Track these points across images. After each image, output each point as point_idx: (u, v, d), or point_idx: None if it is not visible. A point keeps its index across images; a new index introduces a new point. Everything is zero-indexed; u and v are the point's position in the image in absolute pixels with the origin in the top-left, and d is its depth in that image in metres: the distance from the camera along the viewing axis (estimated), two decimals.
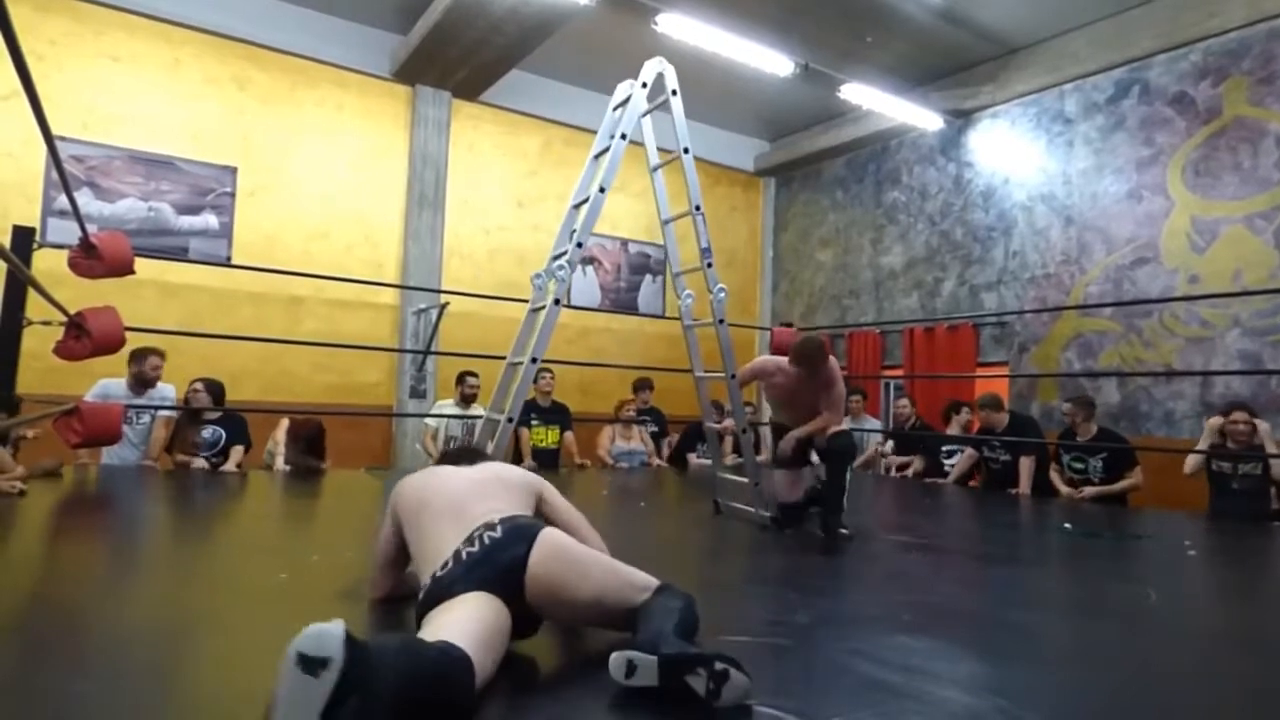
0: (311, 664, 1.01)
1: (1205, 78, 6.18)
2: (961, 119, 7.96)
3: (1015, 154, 7.53)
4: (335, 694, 1.01)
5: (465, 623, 1.37)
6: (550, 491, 2.03)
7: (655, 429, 6.67)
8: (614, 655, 1.38)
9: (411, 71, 7.27)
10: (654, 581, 1.62)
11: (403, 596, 1.88)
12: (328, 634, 1.03)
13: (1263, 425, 4.44)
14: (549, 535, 1.59)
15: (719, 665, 1.31)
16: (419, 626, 1.47)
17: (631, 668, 1.35)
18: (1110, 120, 6.78)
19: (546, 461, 5.96)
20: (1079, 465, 5.04)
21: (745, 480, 3.60)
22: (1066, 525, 3.86)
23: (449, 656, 1.25)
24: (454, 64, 7.08)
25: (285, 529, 3.49)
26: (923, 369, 7.94)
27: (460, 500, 1.74)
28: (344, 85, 7.26)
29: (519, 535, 1.57)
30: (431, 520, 1.72)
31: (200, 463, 4.82)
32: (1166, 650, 1.93)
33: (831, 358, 3.59)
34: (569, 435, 6.12)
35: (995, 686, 1.57)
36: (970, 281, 7.84)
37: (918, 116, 7.81)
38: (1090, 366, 6.68)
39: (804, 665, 1.62)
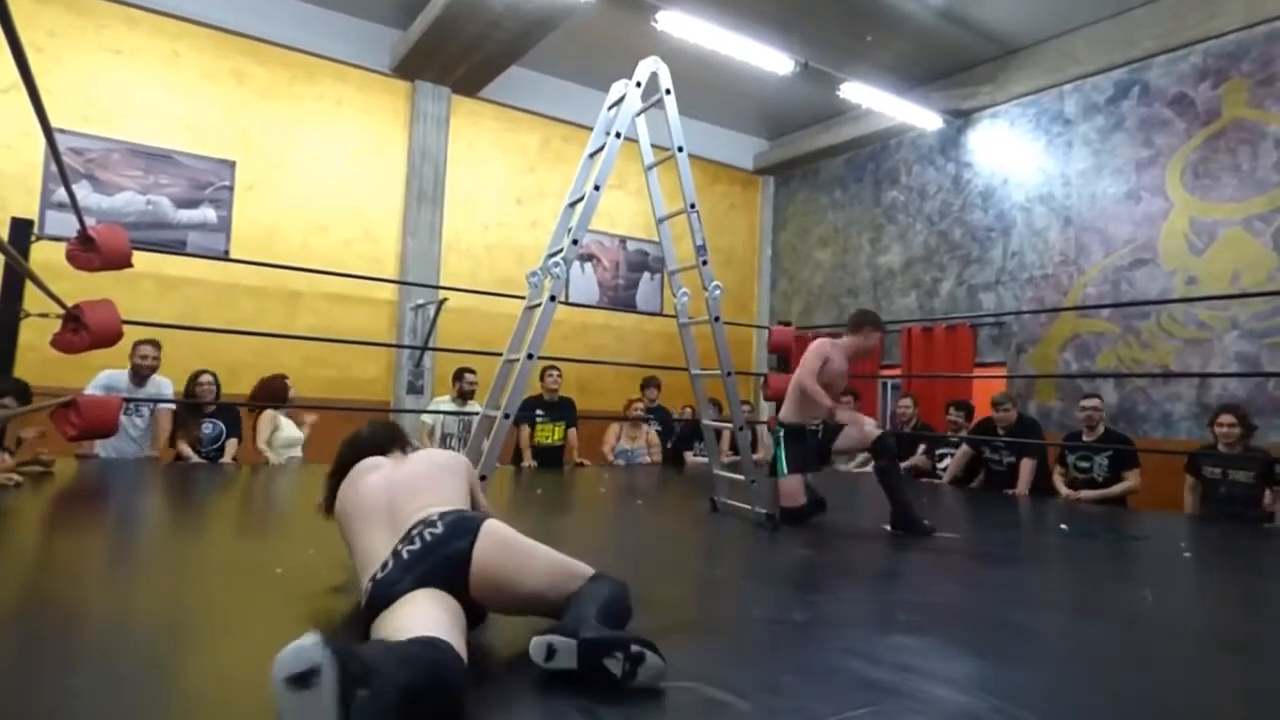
0: (301, 680, 0.99)
1: (1205, 79, 6.18)
2: (961, 119, 7.96)
3: (1014, 154, 7.53)
4: (341, 693, 1.00)
5: (431, 618, 1.37)
6: (476, 481, 2.02)
7: (660, 428, 6.68)
8: (534, 639, 1.40)
9: (411, 67, 7.26)
10: (589, 570, 1.64)
11: None
12: (304, 646, 1.00)
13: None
14: (492, 527, 1.59)
15: (634, 648, 1.34)
16: (368, 632, 1.44)
17: (551, 651, 1.38)
18: (1110, 121, 6.78)
19: (551, 458, 5.95)
20: (1084, 464, 5.04)
21: (742, 478, 3.61)
22: (1063, 526, 3.87)
23: (438, 650, 1.24)
24: (454, 60, 7.07)
25: (281, 523, 3.49)
26: (920, 369, 7.95)
27: (391, 500, 1.72)
28: (344, 80, 7.25)
29: (461, 528, 1.56)
30: (363, 523, 1.70)
31: (196, 456, 4.83)
32: (1163, 651, 1.94)
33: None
34: (573, 432, 6.12)
35: (991, 686, 1.57)
36: (968, 282, 7.85)
37: (917, 116, 7.81)
38: (1088, 367, 6.69)
39: (800, 664, 1.63)
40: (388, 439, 2.06)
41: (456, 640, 1.32)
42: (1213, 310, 5.95)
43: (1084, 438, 5.07)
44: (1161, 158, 6.40)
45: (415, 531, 1.56)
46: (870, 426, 3.65)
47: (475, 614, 1.57)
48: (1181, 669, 1.82)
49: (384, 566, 1.52)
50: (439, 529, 1.55)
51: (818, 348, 3.73)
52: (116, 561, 2.53)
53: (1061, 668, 1.72)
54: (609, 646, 1.35)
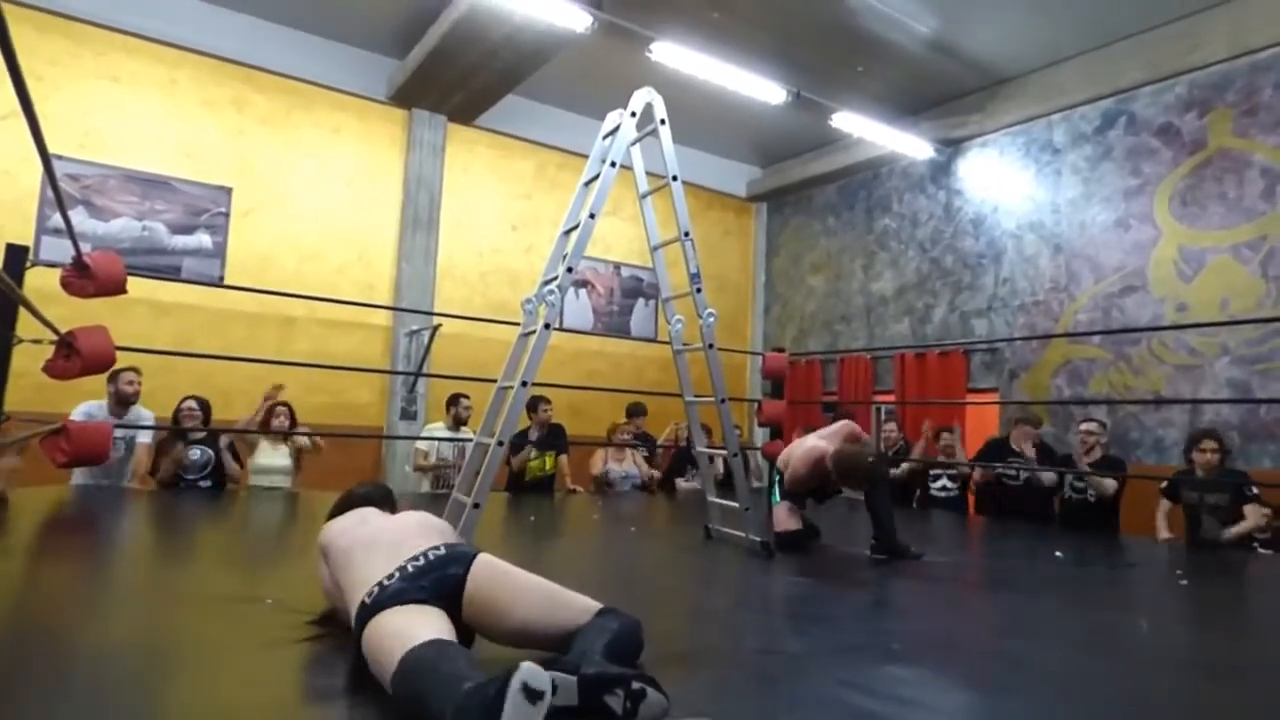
0: (533, 694, 1.16)
1: (1190, 109, 6.28)
2: (951, 148, 8.05)
3: (1004, 183, 7.62)
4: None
5: (437, 626, 1.44)
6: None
7: (646, 453, 6.66)
8: (526, 666, 1.41)
9: (408, 95, 7.33)
10: (595, 605, 1.65)
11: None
12: (541, 673, 1.18)
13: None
14: (486, 558, 1.67)
15: (635, 685, 1.34)
16: (359, 637, 1.49)
17: (553, 687, 1.36)
18: (1098, 150, 6.87)
19: (543, 489, 5.91)
20: (1079, 484, 5.01)
21: (736, 505, 3.60)
22: (1058, 553, 3.86)
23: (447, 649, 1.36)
24: (450, 88, 7.15)
25: (272, 551, 3.46)
26: (914, 395, 7.97)
27: (396, 538, 1.78)
28: (341, 108, 7.31)
29: (458, 556, 1.65)
30: (364, 552, 1.74)
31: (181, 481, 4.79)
32: (1159, 681, 1.93)
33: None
34: (564, 459, 6.10)
35: (986, 718, 1.56)
36: (961, 308, 7.90)
37: (908, 145, 7.91)
38: (1080, 393, 6.72)
39: (793, 696, 1.61)
40: (381, 497, 2.21)
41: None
42: (1203, 337, 6.00)
43: (1081, 462, 5.07)
44: (1149, 186, 6.48)
45: (421, 552, 1.64)
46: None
47: (465, 639, 1.59)
48: (1180, 699, 1.81)
49: (390, 576, 1.57)
50: (441, 551, 1.65)
51: (795, 477, 3.71)
52: (103, 589, 2.50)
53: (1058, 700, 1.71)
54: (610, 684, 1.34)
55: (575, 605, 1.63)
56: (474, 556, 1.64)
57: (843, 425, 3.79)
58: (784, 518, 3.63)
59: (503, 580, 1.62)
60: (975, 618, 2.65)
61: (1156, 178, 6.45)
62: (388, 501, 2.20)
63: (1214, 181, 6.10)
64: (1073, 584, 3.27)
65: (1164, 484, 4.80)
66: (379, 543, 1.77)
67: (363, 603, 1.54)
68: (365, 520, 1.95)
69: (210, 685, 1.58)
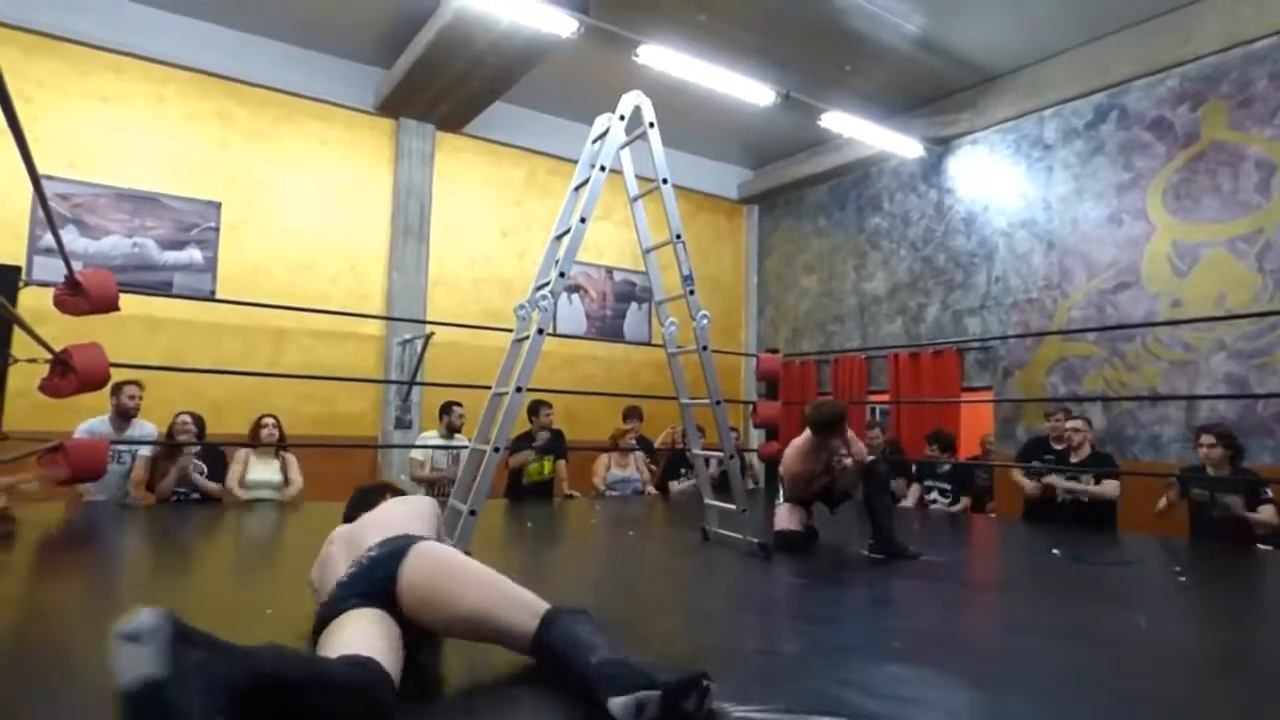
0: (135, 636, 1.05)
1: (1183, 102, 6.27)
2: (941, 146, 8.07)
3: (995, 180, 7.63)
4: (169, 646, 1.05)
5: (365, 636, 1.43)
6: (438, 519, 2.12)
7: (650, 460, 6.66)
8: (615, 701, 1.37)
9: (395, 105, 7.32)
10: (544, 604, 1.63)
11: None
12: (144, 613, 1.08)
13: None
14: (423, 547, 1.64)
15: (705, 683, 1.42)
16: (313, 644, 1.52)
17: (640, 707, 1.37)
18: (1089, 145, 6.88)
19: (541, 493, 5.90)
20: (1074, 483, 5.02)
21: (733, 508, 3.59)
22: (1055, 550, 3.86)
23: (361, 667, 1.31)
24: (437, 97, 7.14)
25: (272, 562, 3.44)
26: (908, 394, 7.97)
27: (350, 542, 1.82)
28: (328, 119, 7.30)
29: (393, 551, 1.64)
30: (334, 556, 1.82)
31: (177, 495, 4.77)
32: (1160, 679, 1.92)
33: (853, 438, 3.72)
34: (562, 464, 6.09)
35: (987, 717, 1.55)
36: (953, 307, 7.90)
37: (898, 144, 7.92)
38: (1075, 390, 6.71)
39: (793, 696, 1.60)
40: (376, 496, 2.23)
41: (383, 656, 1.38)
42: (1198, 332, 5.98)
43: (1070, 460, 5.06)
44: (1142, 181, 6.48)
45: (360, 558, 1.67)
46: (860, 453, 3.68)
47: (418, 634, 1.61)
48: (1181, 696, 1.80)
49: (339, 585, 1.61)
50: (374, 552, 1.65)
51: (790, 471, 3.78)
52: (105, 602, 2.48)
53: (1057, 697, 1.70)
54: (688, 688, 1.40)
55: (523, 602, 1.62)
56: (409, 547, 1.63)
57: None
58: (784, 518, 3.64)
59: (443, 573, 1.60)
60: (975, 616, 2.64)
61: (1149, 172, 6.44)
62: (383, 497, 2.22)
63: (1208, 175, 6.08)
64: (1071, 582, 3.26)
65: (1172, 477, 4.72)
66: (341, 553, 1.80)
67: (318, 611, 1.60)
68: (360, 521, 1.98)
69: None
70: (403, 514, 1.95)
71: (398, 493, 2.29)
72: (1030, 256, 7.25)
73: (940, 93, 7.81)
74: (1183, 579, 3.41)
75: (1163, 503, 4.66)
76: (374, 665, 1.32)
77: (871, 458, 3.64)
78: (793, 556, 3.44)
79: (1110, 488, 4.85)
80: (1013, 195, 7.45)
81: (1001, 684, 1.78)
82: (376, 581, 1.58)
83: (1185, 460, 5.50)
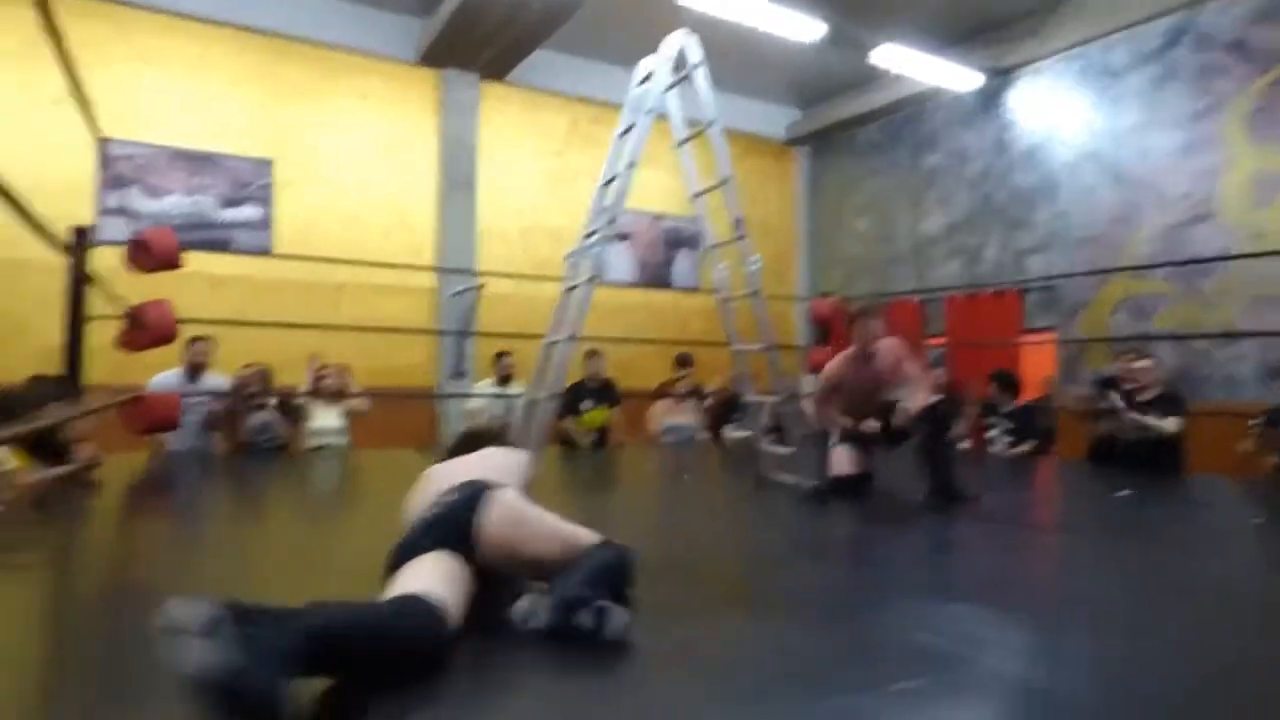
0: (184, 629, 1.07)
1: (1264, 21, 5.85)
2: (1001, 77, 7.71)
3: (1059, 111, 7.28)
4: (220, 631, 1.08)
5: (423, 577, 1.49)
6: (524, 470, 2.16)
7: (709, 404, 6.67)
8: (516, 604, 1.55)
9: (437, 55, 7.27)
10: (595, 538, 1.72)
11: None
12: (187, 604, 1.10)
13: None
14: (500, 495, 1.71)
15: (598, 604, 1.48)
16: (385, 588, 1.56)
17: (530, 613, 1.53)
18: (1161, 71, 6.50)
19: (596, 442, 5.97)
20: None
21: (787, 452, 3.58)
22: (1124, 492, 3.77)
23: (407, 605, 1.38)
24: (479, 45, 7.06)
25: (346, 509, 3.57)
26: (966, 337, 7.79)
27: (433, 487, 1.87)
28: (371, 73, 7.30)
29: (470, 496, 1.70)
30: (419, 496, 1.89)
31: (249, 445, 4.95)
32: (1228, 623, 1.87)
33: (893, 344, 3.53)
34: (616, 412, 6.13)
35: (1049, 656, 1.54)
36: (1014, 246, 7.64)
37: (954, 77, 7.58)
38: (1145, 329, 6.45)
39: (856, 634, 1.61)
40: (478, 442, 2.25)
41: (447, 595, 1.45)
42: None
43: (1137, 399, 4.89)
44: (1219, 107, 6.11)
45: (436, 500, 1.73)
46: (920, 398, 3.44)
47: (490, 574, 1.67)
48: (1246, 642, 1.76)
49: (412, 527, 1.68)
50: (454, 495, 1.71)
51: (825, 374, 3.63)
52: (192, 547, 2.61)
53: (1120, 638, 1.68)
54: (576, 604, 1.49)
55: (582, 541, 1.71)
56: (481, 496, 1.69)
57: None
58: (842, 461, 3.53)
59: (515, 518, 1.68)
60: (1036, 559, 2.61)
61: (1227, 98, 6.06)
62: (462, 447, 2.25)
63: None
64: (1138, 524, 3.19)
65: (1252, 422, 4.50)
66: (436, 481, 1.88)
67: (393, 548, 1.64)
68: (431, 471, 2.04)
69: None
70: (491, 464, 2.02)
71: (503, 444, 2.34)
72: (1096, 190, 6.94)
73: (999, 20, 7.43)
74: (1256, 520, 3.31)
75: (1248, 444, 4.49)
76: (421, 603, 1.38)
77: (936, 397, 3.48)
78: (848, 501, 3.41)
79: (1171, 424, 4.68)
80: (1077, 126, 7.11)
81: (1062, 625, 1.76)
82: (456, 524, 1.64)
83: (1263, 400, 5.28)
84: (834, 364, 3.60)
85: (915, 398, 3.41)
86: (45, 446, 3.38)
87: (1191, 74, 6.28)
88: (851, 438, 3.58)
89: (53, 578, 2.19)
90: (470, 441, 2.26)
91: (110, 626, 1.69)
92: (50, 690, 1.39)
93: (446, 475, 1.90)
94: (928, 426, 3.39)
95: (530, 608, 1.53)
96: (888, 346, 3.50)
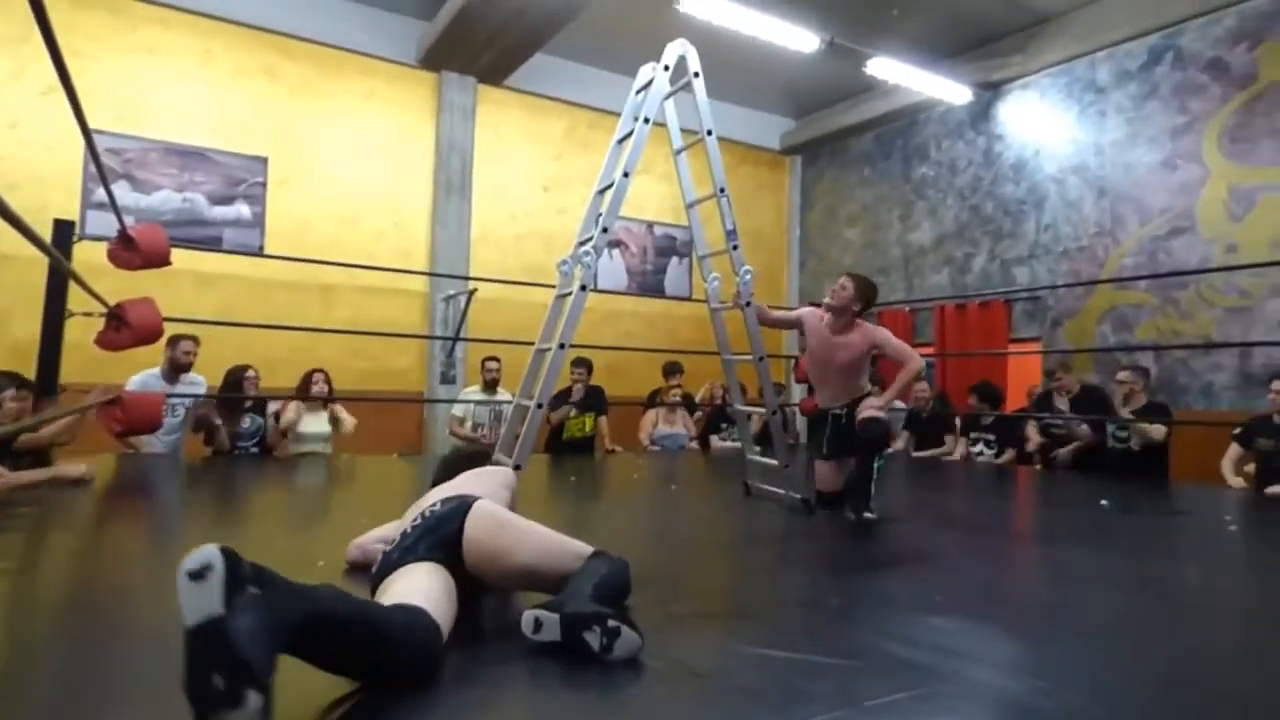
0: (197, 574, 1.08)
1: (1240, 42, 6.00)
2: (990, 91, 7.80)
3: (1046, 125, 7.38)
4: (228, 584, 1.08)
5: (419, 587, 1.49)
6: (512, 489, 2.18)
7: (699, 414, 6.71)
8: (525, 613, 1.52)
9: (437, 58, 7.28)
10: (588, 549, 1.74)
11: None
12: (204, 550, 1.11)
13: None
14: (483, 504, 1.73)
15: (611, 623, 1.45)
16: (372, 593, 1.58)
17: (538, 624, 1.51)
18: (1143, 88, 6.61)
19: (582, 449, 5.97)
20: (1122, 433, 4.96)
21: (775, 463, 3.61)
22: (1104, 502, 3.82)
23: (411, 616, 1.36)
24: (478, 49, 7.08)
25: (321, 514, 3.57)
26: (954, 346, 7.86)
27: (428, 499, 1.87)
28: (371, 73, 7.30)
29: (457, 507, 1.71)
30: (401, 520, 1.87)
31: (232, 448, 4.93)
32: (1210, 630, 1.91)
33: (876, 327, 3.47)
34: (603, 420, 6.14)
35: (1032, 667, 1.57)
36: (1001, 256, 7.73)
37: (945, 90, 7.67)
38: (1127, 340, 6.56)
39: (836, 648, 1.64)
40: (454, 468, 2.24)
41: (439, 607, 1.44)
42: (1254, 277, 5.78)
43: (1121, 410, 4.99)
44: (1197, 124, 6.23)
45: (423, 511, 1.74)
46: (870, 410, 3.31)
47: (472, 589, 1.68)
48: (1231, 649, 1.80)
49: (399, 540, 1.68)
50: (440, 508, 1.72)
51: (804, 312, 3.70)
52: (164, 551, 2.60)
53: (1105, 648, 1.72)
54: (588, 620, 1.46)
55: (574, 551, 1.72)
56: (471, 505, 1.70)
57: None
58: (828, 477, 3.54)
59: (501, 529, 1.70)
60: (1020, 568, 2.65)
61: (1205, 115, 6.18)
62: (474, 463, 2.29)
63: (1265, 117, 5.84)
64: (1119, 533, 3.24)
65: (1236, 429, 4.64)
66: (416, 506, 1.87)
67: (377, 564, 1.66)
68: (437, 489, 2.04)
69: None
70: (477, 480, 2.04)
71: (487, 464, 2.37)
72: (1081, 203, 7.03)
73: (989, 36, 7.53)
74: (1233, 528, 3.36)
75: (1229, 476, 4.60)
76: (423, 614, 1.38)
77: (871, 414, 3.28)
78: (834, 512, 3.43)
79: (1158, 431, 4.79)
80: (1064, 140, 7.21)
81: (1046, 635, 1.80)
82: (441, 538, 1.65)
83: (1239, 409, 5.37)
84: (808, 314, 3.63)
85: (865, 407, 3.33)
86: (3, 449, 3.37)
87: (1171, 91, 6.40)
88: (835, 452, 3.53)
89: (14, 586, 2.18)
90: (452, 467, 2.26)
91: (78, 633, 1.69)
92: (13, 693, 1.39)
93: (433, 494, 1.91)
94: (863, 441, 3.29)
95: (538, 620, 1.51)
96: (869, 327, 3.45)
